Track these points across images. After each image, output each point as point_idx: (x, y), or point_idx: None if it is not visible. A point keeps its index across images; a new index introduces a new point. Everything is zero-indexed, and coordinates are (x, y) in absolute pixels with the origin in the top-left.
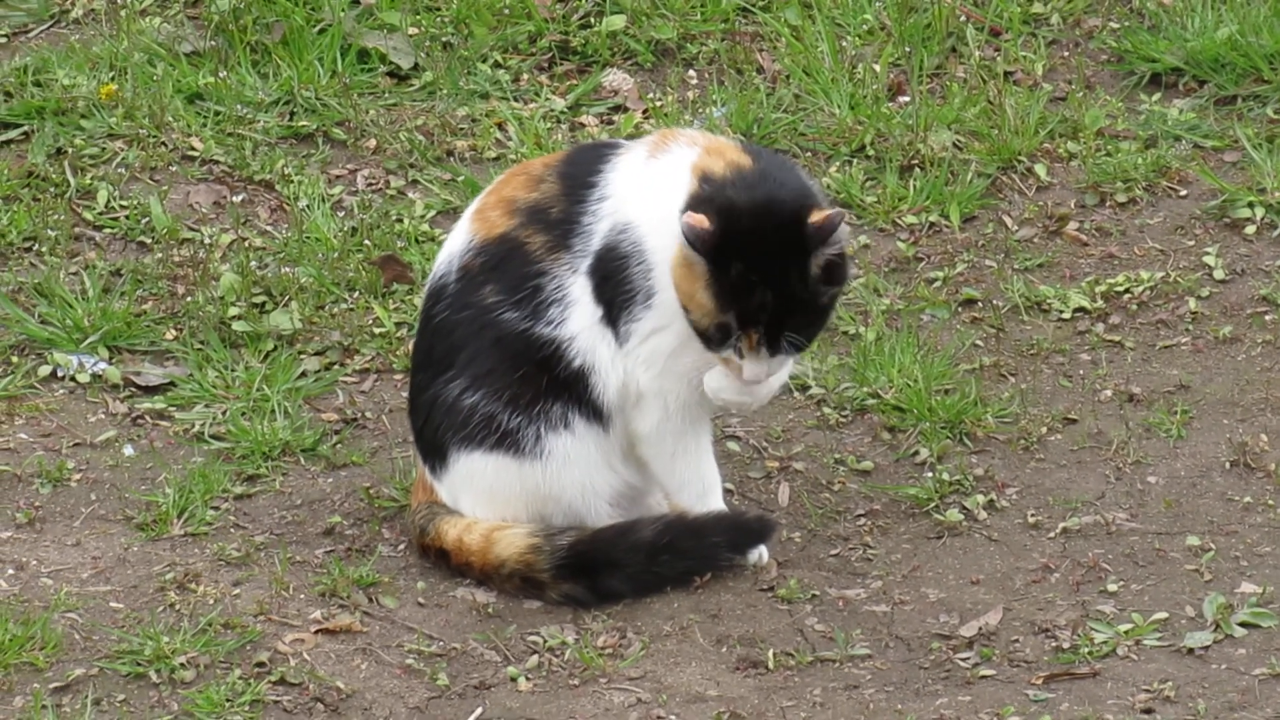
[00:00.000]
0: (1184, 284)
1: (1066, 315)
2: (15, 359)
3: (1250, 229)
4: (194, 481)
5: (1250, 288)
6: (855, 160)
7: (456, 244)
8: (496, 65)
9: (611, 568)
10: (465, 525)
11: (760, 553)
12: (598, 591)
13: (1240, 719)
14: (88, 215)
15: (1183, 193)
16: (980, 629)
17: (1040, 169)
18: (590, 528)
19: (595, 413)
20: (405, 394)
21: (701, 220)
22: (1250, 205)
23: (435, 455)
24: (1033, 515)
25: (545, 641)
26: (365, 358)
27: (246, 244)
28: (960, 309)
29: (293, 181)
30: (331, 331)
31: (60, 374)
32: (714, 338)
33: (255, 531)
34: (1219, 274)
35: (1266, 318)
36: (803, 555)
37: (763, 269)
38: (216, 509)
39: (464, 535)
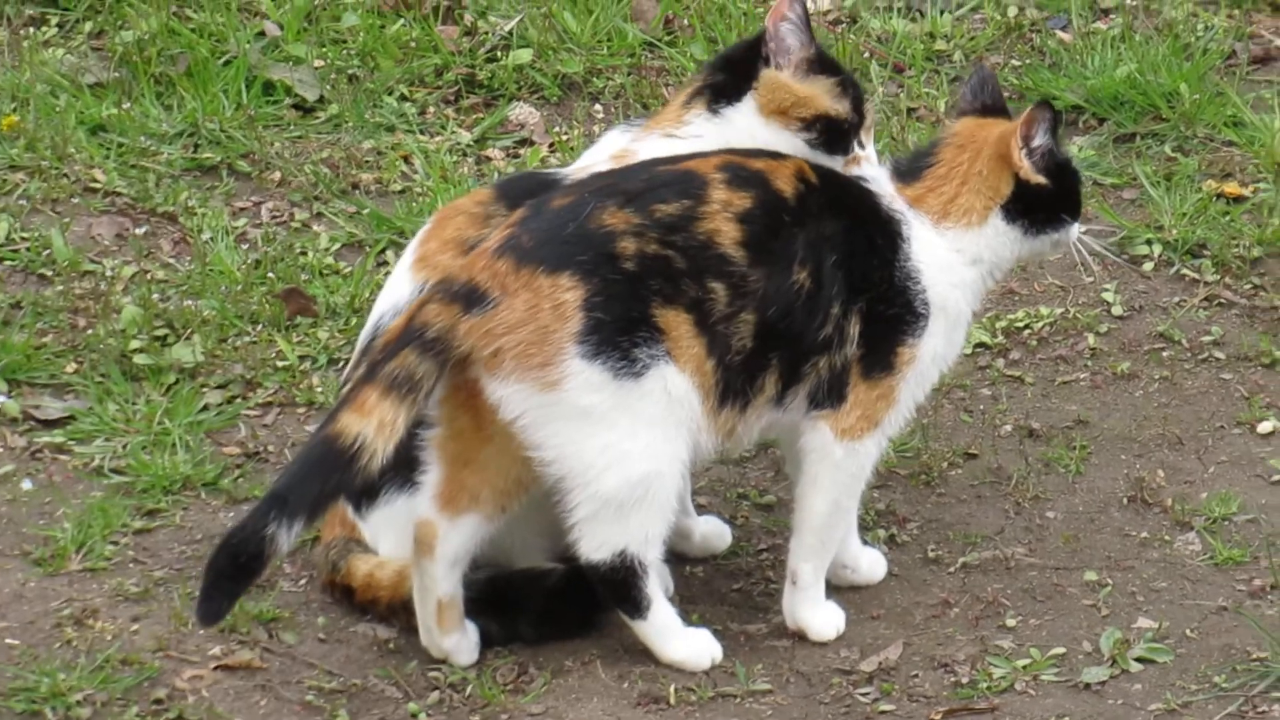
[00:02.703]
0: (1083, 320)
1: (967, 350)
2: None
3: (1148, 266)
4: (93, 516)
5: (1148, 324)
6: None
7: (401, 295)
8: (402, 98)
9: (520, 608)
10: (378, 562)
11: (667, 586)
12: (507, 629)
13: None
14: None
15: (1083, 229)
16: (880, 664)
17: None
18: (511, 567)
19: None
20: (309, 428)
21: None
22: (1148, 242)
23: (364, 494)
24: (933, 550)
25: (446, 677)
26: (268, 391)
27: (149, 276)
28: None
29: (196, 214)
30: (234, 365)
31: None
32: (851, 121)
33: (155, 566)
34: (1117, 310)
35: (1164, 354)
36: (705, 589)
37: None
38: (115, 544)
39: (376, 571)
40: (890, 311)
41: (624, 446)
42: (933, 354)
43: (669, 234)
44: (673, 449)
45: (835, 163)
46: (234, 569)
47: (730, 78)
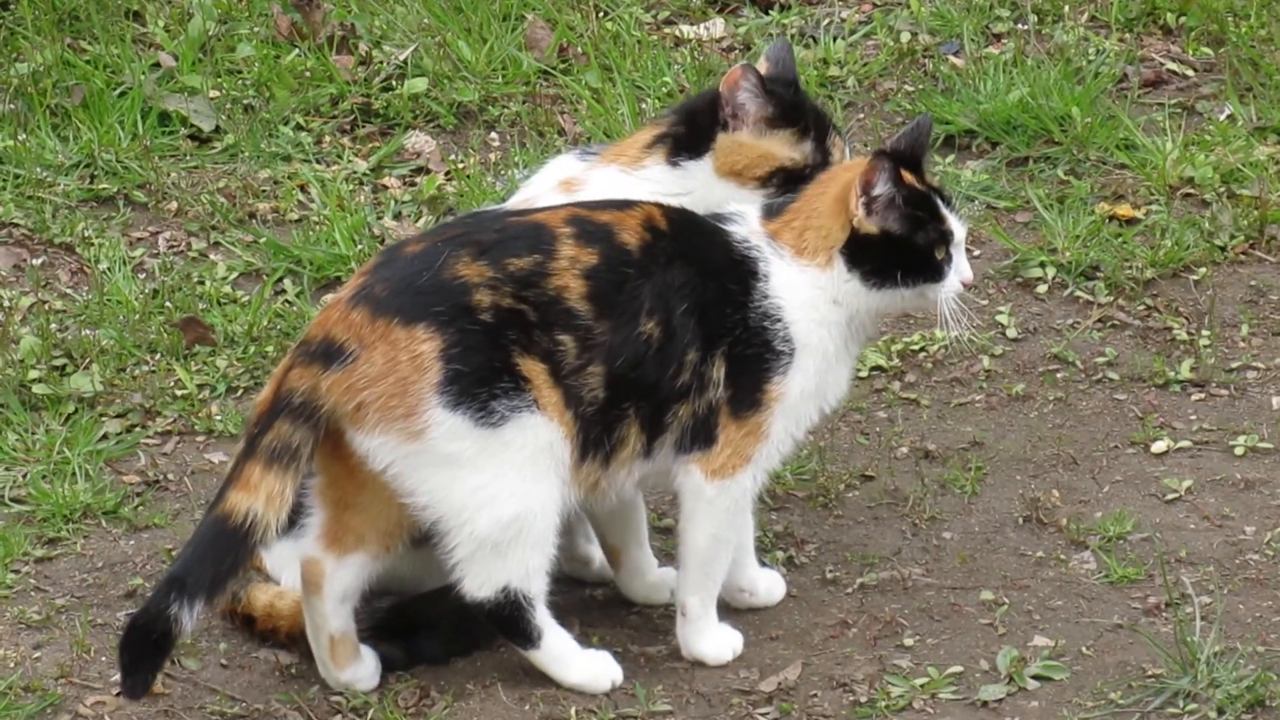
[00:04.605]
0: (977, 343)
1: (863, 373)
2: None
3: (1042, 288)
4: None
5: (1042, 346)
6: None
7: None
8: (298, 128)
9: (427, 629)
10: (277, 592)
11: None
12: (412, 652)
13: None
14: None
15: (976, 253)
16: (779, 684)
17: None
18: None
19: None
20: (208, 455)
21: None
22: (1042, 265)
23: None
24: (831, 571)
25: (349, 702)
26: (167, 420)
27: (47, 307)
28: None
29: (93, 244)
30: (133, 394)
31: None
32: (812, 162)
33: (56, 594)
34: (1011, 333)
35: (1058, 375)
36: (604, 613)
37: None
38: (16, 572)
39: (276, 601)
40: (749, 351)
41: (493, 489)
42: (802, 390)
43: (522, 288)
44: (545, 488)
45: None
46: (148, 646)
47: (691, 132)
